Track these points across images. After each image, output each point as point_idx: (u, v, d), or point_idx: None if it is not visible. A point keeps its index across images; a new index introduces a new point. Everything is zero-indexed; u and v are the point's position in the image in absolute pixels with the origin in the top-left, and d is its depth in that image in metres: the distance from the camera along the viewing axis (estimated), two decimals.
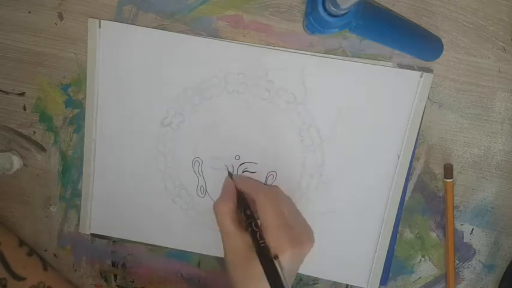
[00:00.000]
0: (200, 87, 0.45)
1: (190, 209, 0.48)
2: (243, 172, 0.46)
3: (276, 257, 0.37)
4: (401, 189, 0.46)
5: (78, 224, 0.50)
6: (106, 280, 0.52)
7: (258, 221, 0.40)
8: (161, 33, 0.44)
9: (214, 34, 0.44)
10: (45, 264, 0.49)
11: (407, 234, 0.48)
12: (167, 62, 0.44)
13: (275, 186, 0.46)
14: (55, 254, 0.52)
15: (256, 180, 0.46)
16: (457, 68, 0.43)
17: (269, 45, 0.43)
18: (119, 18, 0.44)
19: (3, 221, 0.51)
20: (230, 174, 0.46)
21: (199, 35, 0.44)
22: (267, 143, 0.45)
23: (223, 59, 0.44)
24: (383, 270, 0.48)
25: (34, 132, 0.48)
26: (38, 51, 0.46)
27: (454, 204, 0.46)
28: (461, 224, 0.47)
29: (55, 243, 0.51)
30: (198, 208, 0.48)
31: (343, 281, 0.49)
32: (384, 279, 0.49)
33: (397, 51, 0.43)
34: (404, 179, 0.45)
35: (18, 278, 0.46)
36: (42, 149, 0.48)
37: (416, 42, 0.42)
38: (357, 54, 0.43)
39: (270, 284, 0.36)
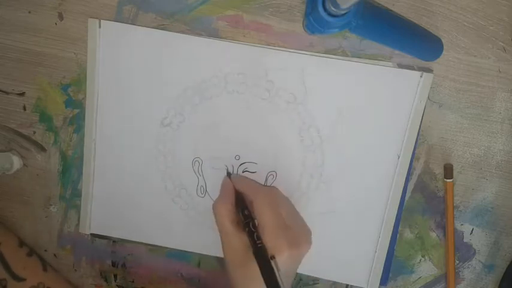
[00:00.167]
0: (200, 87, 0.45)
1: (190, 209, 0.48)
2: (243, 172, 0.46)
3: (273, 257, 0.37)
4: (401, 189, 0.46)
5: (78, 224, 0.50)
6: (106, 280, 0.52)
7: (256, 221, 0.40)
8: (161, 33, 0.44)
9: (214, 34, 0.44)
10: (45, 265, 0.49)
11: (407, 234, 0.48)
12: (167, 62, 0.44)
13: (273, 187, 0.46)
14: (55, 254, 0.52)
15: (254, 181, 0.46)
16: (457, 68, 0.43)
17: (269, 45, 0.43)
18: (119, 18, 0.44)
19: (3, 221, 0.51)
20: (229, 174, 0.46)
21: (199, 35, 0.44)
22: (267, 143, 0.45)
23: (223, 59, 0.44)
24: (383, 270, 0.48)
25: (34, 132, 0.48)
26: (38, 51, 0.46)
27: (454, 204, 0.46)
28: (461, 224, 0.47)
29: (55, 243, 0.51)
30: (198, 208, 0.48)
31: (343, 281, 0.49)
32: (384, 279, 0.49)
33: (397, 51, 0.43)
34: (404, 179, 0.45)
35: (18, 278, 0.46)
36: (42, 149, 0.48)
37: (416, 42, 0.42)
38: (357, 54, 0.43)
39: (266, 284, 0.36)
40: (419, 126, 0.44)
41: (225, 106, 0.45)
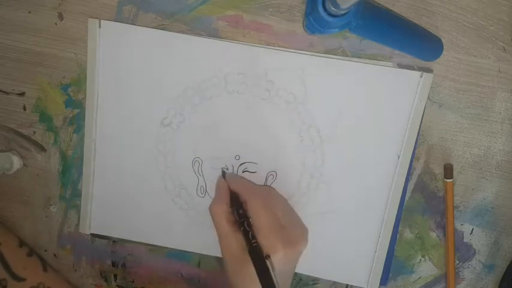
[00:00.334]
0: (200, 87, 0.45)
1: (190, 209, 0.48)
2: (243, 172, 0.46)
3: (268, 256, 0.37)
4: (401, 189, 0.46)
5: (78, 224, 0.50)
6: (106, 280, 0.52)
7: (251, 220, 0.40)
8: (161, 33, 0.44)
9: (214, 34, 0.44)
10: (45, 265, 0.49)
11: (407, 234, 0.48)
12: (167, 62, 0.44)
13: (268, 186, 0.46)
14: (55, 254, 0.52)
15: (249, 181, 0.45)
16: (457, 68, 0.43)
17: (269, 45, 0.43)
18: (119, 18, 0.44)
19: (3, 221, 0.51)
20: (223, 174, 0.46)
21: (199, 35, 0.44)
22: (267, 143, 0.45)
23: (223, 59, 0.44)
24: (383, 270, 0.48)
25: (34, 132, 0.48)
26: (38, 51, 0.46)
27: (454, 204, 0.46)
28: (461, 224, 0.47)
29: (55, 243, 0.51)
30: (198, 208, 0.48)
31: (343, 281, 0.49)
32: (384, 279, 0.49)
33: (397, 51, 0.43)
34: (404, 179, 0.45)
35: (18, 278, 0.46)
36: (42, 149, 0.48)
37: (416, 42, 0.42)
38: (357, 54, 0.43)
39: (262, 283, 0.36)
40: (419, 126, 0.44)
41: (225, 106, 0.45)
